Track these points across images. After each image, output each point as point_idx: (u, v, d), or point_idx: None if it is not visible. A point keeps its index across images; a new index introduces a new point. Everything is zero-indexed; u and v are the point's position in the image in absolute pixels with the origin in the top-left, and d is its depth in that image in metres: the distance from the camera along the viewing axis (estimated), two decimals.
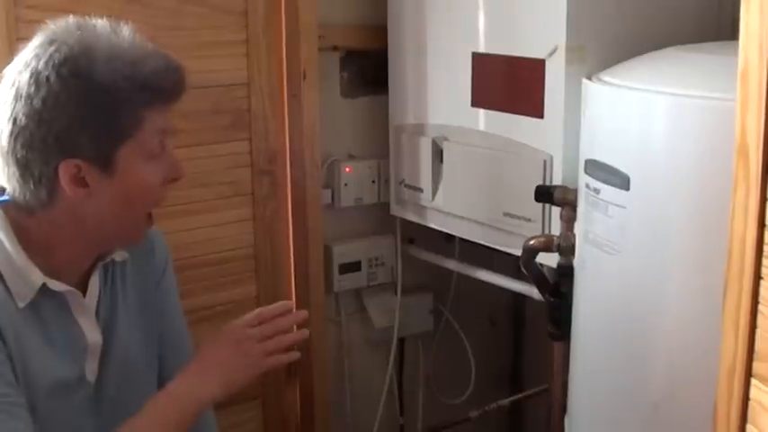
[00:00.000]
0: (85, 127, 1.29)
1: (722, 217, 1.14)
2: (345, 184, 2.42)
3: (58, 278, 1.38)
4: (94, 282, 1.46)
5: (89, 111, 1.29)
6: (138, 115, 1.32)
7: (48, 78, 1.27)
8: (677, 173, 1.45)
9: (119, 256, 1.50)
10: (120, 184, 1.34)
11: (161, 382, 1.55)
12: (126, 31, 1.36)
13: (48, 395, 1.36)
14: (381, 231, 2.52)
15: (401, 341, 2.63)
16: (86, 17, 1.37)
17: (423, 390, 2.72)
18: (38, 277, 1.35)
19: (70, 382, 1.41)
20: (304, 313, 1.59)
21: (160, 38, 1.98)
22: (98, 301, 1.47)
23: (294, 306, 1.38)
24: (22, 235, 1.36)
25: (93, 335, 1.44)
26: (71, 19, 1.35)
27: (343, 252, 2.46)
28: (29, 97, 1.28)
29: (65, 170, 1.30)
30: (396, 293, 2.55)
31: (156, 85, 1.33)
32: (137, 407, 1.42)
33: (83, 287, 1.45)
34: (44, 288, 1.36)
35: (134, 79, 1.30)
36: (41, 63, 1.28)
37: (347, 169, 2.42)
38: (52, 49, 1.29)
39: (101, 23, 1.35)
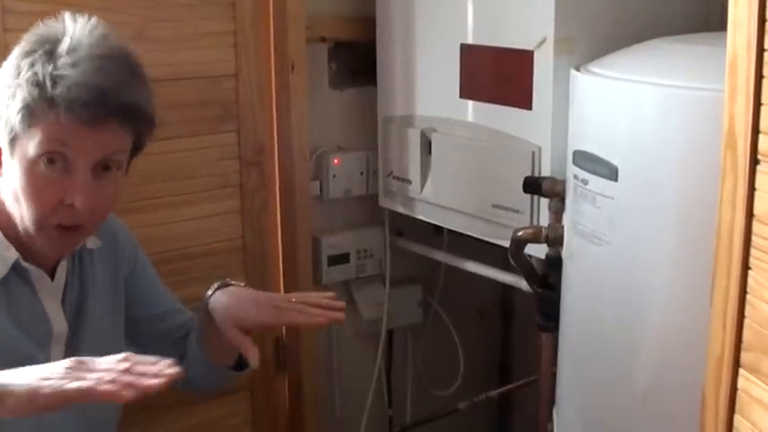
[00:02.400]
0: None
1: (710, 207, 1.14)
2: (334, 176, 2.41)
3: (27, 259, 1.40)
4: (62, 268, 1.47)
5: (3, 90, 1.32)
6: (33, 116, 1.29)
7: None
8: (665, 164, 1.45)
9: (91, 243, 1.51)
10: (14, 171, 1.33)
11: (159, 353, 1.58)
12: (98, 34, 1.34)
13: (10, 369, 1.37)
14: (370, 223, 2.52)
15: (390, 333, 2.63)
16: (76, 12, 1.37)
17: (411, 381, 2.72)
18: (12, 254, 1.37)
19: (33, 363, 1.40)
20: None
21: (148, 29, 2.00)
22: (65, 289, 1.48)
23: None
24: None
25: (58, 321, 1.45)
26: (65, 13, 1.36)
27: (332, 244, 2.46)
28: None
29: None
30: (384, 285, 2.55)
31: (58, 92, 1.28)
32: None
33: (51, 274, 1.46)
34: (16, 266, 1.38)
35: (39, 70, 1.29)
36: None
37: (335, 161, 2.41)
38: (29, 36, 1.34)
39: (80, 21, 1.35)
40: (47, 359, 1.42)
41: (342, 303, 1.58)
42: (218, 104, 2.18)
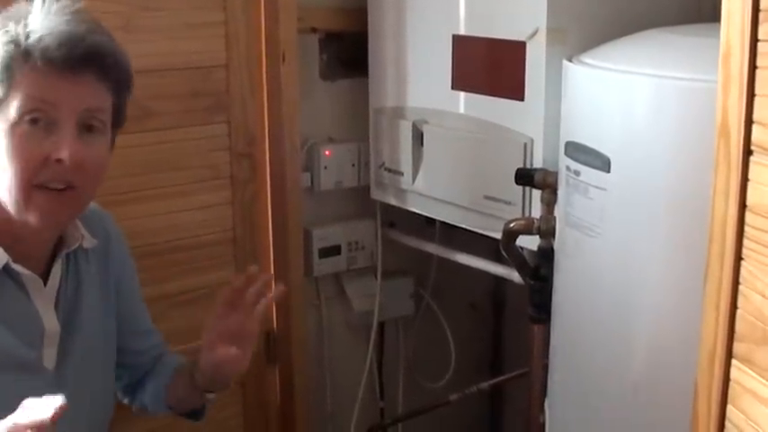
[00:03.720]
0: None
1: (703, 198, 1.14)
2: (325, 168, 2.41)
3: (19, 261, 1.38)
4: (56, 270, 1.46)
5: None
6: (11, 74, 1.30)
7: None
8: (658, 155, 1.45)
9: (87, 242, 1.50)
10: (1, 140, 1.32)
11: (119, 368, 1.63)
12: (70, 6, 1.35)
13: (2, 371, 1.36)
14: (361, 215, 2.51)
15: (381, 325, 2.63)
16: None
17: (403, 373, 2.72)
18: (2, 256, 1.36)
19: (26, 365, 1.40)
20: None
21: (137, 19, 1.99)
22: (59, 290, 1.47)
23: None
24: None
25: (50, 322, 1.44)
26: None
27: (323, 236, 2.45)
28: None
29: None
30: (376, 277, 2.54)
31: (31, 43, 1.29)
32: (96, 394, 1.47)
33: (45, 275, 1.44)
34: (7, 269, 1.37)
35: (13, 32, 1.30)
36: None
37: (327, 152, 2.40)
38: None
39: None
40: (39, 360, 1.42)
41: (267, 275, 1.60)
42: (209, 95, 2.17)
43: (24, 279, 1.40)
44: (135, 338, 1.69)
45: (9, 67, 1.30)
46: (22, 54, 1.29)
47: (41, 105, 1.30)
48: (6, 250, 1.36)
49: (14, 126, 1.30)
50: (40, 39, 1.29)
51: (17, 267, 1.38)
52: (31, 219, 1.34)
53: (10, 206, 1.34)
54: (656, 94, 1.47)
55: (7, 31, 1.30)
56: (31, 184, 1.31)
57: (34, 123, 1.30)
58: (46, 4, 1.33)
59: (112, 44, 1.37)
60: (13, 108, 1.30)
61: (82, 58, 1.31)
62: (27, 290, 1.41)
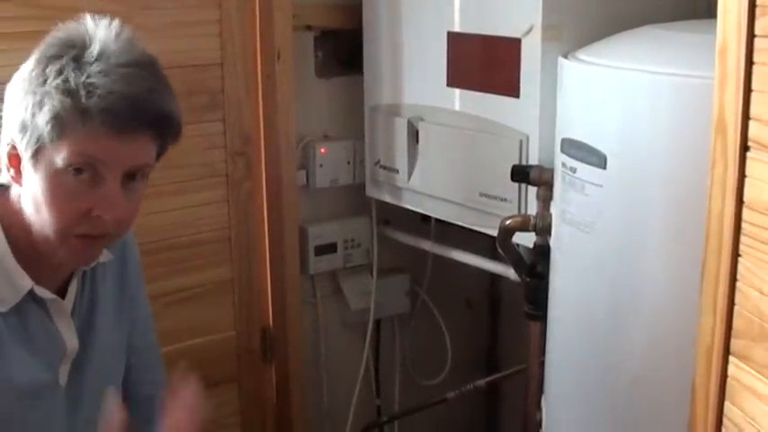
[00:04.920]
0: (20, 112, 1.26)
1: (700, 194, 1.14)
2: (320, 165, 2.40)
3: (39, 282, 1.35)
4: (73, 287, 1.43)
5: (28, 96, 1.25)
6: (63, 127, 1.23)
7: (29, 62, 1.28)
8: (654, 151, 1.45)
9: (104, 256, 1.46)
10: (36, 182, 1.27)
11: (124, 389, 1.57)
12: (124, 39, 1.29)
13: (20, 399, 1.34)
14: (357, 213, 2.51)
15: (377, 323, 2.63)
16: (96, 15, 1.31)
17: (399, 371, 2.71)
18: (27, 282, 1.32)
19: (44, 386, 1.39)
20: None
21: (133, 18, 1.97)
22: (74, 306, 1.44)
23: None
24: (11, 234, 1.33)
25: (72, 340, 1.42)
26: (86, 15, 1.31)
27: (319, 234, 2.45)
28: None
29: (6, 148, 1.29)
30: (372, 275, 2.54)
31: (91, 102, 1.22)
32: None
33: (63, 291, 1.42)
34: (29, 292, 1.33)
35: (69, 76, 1.23)
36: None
37: (322, 150, 2.40)
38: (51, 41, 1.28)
39: (108, 26, 1.30)
40: (55, 377, 1.41)
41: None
42: (204, 94, 2.16)
43: (48, 302, 1.37)
44: (133, 354, 1.63)
45: (61, 117, 1.23)
46: (80, 111, 1.22)
47: (91, 161, 1.25)
48: (28, 271, 1.33)
49: (58, 174, 1.25)
50: (102, 99, 1.22)
51: (41, 292, 1.35)
52: (63, 258, 1.32)
53: (43, 241, 1.30)
54: (651, 90, 1.46)
55: (62, 76, 1.23)
56: (69, 233, 1.28)
57: (79, 173, 1.25)
58: (102, 45, 1.26)
59: (173, 104, 1.32)
60: (59, 158, 1.24)
61: (144, 124, 1.26)
62: (48, 310, 1.38)
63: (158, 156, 1.36)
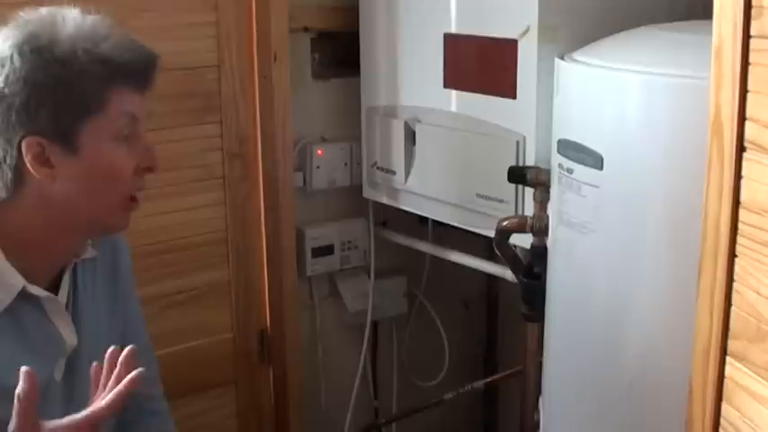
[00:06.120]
0: (43, 101, 1.27)
1: (696, 195, 1.14)
2: (317, 167, 2.40)
3: (33, 281, 1.36)
4: (65, 281, 1.44)
5: (47, 84, 1.27)
6: (100, 92, 1.30)
7: (10, 57, 1.27)
8: (651, 152, 1.45)
9: (88, 253, 1.48)
10: (86, 165, 1.31)
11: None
12: (95, 15, 1.34)
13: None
14: (354, 214, 2.51)
15: (375, 324, 2.63)
16: (57, 6, 1.35)
17: (397, 373, 2.71)
18: (18, 281, 1.33)
19: (41, 385, 1.38)
20: None
21: (129, 20, 1.98)
22: (67, 301, 1.45)
23: None
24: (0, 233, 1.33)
25: (70, 336, 1.43)
26: (42, 9, 1.34)
27: (316, 235, 2.45)
28: None
29: (27, 148, 1.29)
30: (369, 277, 2.54)
31: (117, 61, 1.30)
32: None
33: (55, 287, 1.42)
34: (22, 292, 1.34)
35: (93, 52, 1.29)
36: (6, 45, 1.28)
37: (319, 152, 2.40)
38: (17, 31, 1.29)
39: (71, 11, 1.34)
40: (50, 373, 1.40)
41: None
42: (201, 96, 2.16)
43: (42, 300, 1.38)
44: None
45: (101, 86, 1.31)
46: (117, 74, 1.31)
47: (130, 121, 1.35)
48: (21, 269, 1.34)
49: (109, 143, 1.33)
50: (132, 61, 1.33)
51: (33, 290, 1.35)
52: (115, 225, 1.43)
53: (89, 218, 1.37)
54: (648, 91, 1.46)
55: (86, 50, 1.29)
56: (126, 196, 1.38)
57: (124, 139, 1.35)
58: (99, 20, 1.34)
59: None
60: (105, 126, 1.32)
61: (153, 78, 1.38)
62: (43, 307, 1.39)
63: None
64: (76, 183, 1.32)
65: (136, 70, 1.34)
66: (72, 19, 1.32)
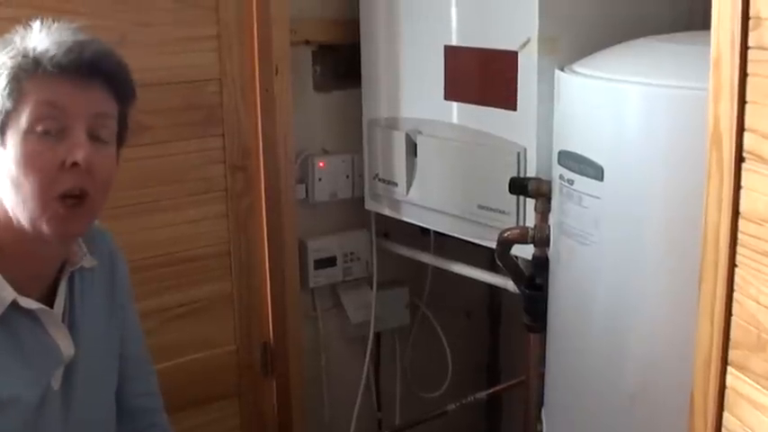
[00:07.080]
0: None
1: (696, 206, 1.14)
2: (319, 179, 2.41)
3: (26, 292, 1.35)
4: (62, 291, 1.43)
5: None
6: (17, 81, 1.30)
7: None
8: (651, 163, 1.45)
9: (87, 262, 1.47)
10: (9, 157, 1.30)
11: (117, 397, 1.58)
12: (69, 25, 1.36)
13: (11, 407, 1.34)
14: (356, 226, 2.51)
15: (377, 336, 2.63)
16: (58, 17, 1.37)
17: (400, 384, 2.71)
18: (9, 294, 1.33)
19: (38, 396, 1.38)
20: None
21: (131, 34, 1.99)
22: (64, 311, 1.45)
23: None
24: None
25: (67, 347, 1.42)
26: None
27: (318, 247, 2.45)
28: None
29: None
30: (371, 288, 2.54)
31: (38, 50, 1.30)
32: (100, 413, 1.47)
33: (50, 297, 1.42)
34: (14, 303, 1.33)
35: (19, 47, 1.31)
36: None
37: (321, 164, 2.41)
38: None
39: (54, 23, 1.36)
40: (48, 383, 1.41)
41: None
42: (203, 108, 2.17)
43: (37, 313, 1.38)
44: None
45: (18, 78, 1.29)
46: (31, 63, 1.29)
47: (52, 111, 1.29)
48: (12, 280, 1.33)
49: (27, 135, 1.29)
50: (48, 49, 1.30)
51: (24, 303, 1.35)
52: (48, 229, 1.32)
53: (25, 220, 1.31)
54: (648, 102, 1.47)
55: (13, 47, 1.31)
56: (49, 195, 1.30)
57: (46, 135, 1.29)
58: (45, 25, 1.33)
59: (116, 53, 1.38)
60: (24, 117, 1.29)
61: (90, 63, 1.31)
62: (38, 318, 1.38)
63: (122, 120, 1.41)
64: (7, 178, 1.31)
65: (53, 56, 1.29)
66: (42, 26, 1.34)
